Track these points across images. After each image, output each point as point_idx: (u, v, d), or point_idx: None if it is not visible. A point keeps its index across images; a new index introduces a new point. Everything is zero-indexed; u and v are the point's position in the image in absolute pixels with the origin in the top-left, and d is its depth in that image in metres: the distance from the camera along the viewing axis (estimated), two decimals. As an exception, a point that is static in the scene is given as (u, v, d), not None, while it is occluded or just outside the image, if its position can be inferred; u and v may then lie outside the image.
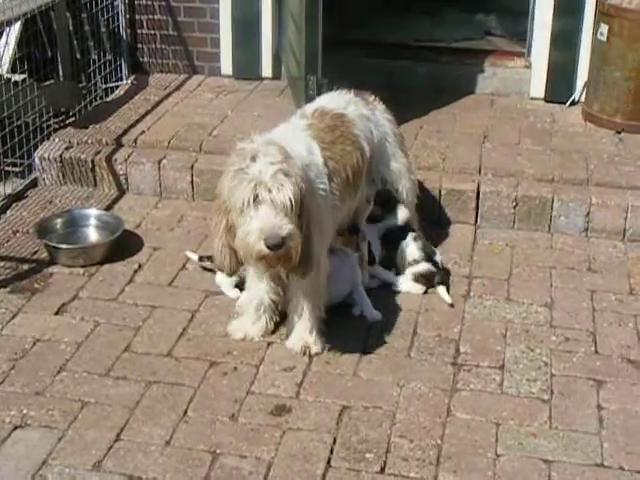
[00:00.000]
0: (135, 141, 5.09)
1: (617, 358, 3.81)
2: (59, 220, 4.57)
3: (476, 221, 4.75)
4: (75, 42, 5.59)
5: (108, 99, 5.74)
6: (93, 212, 4.64)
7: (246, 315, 3.88)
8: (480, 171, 4.81)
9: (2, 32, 5.23)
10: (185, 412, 3.47)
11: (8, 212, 4.81)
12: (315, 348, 3.79)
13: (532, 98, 5.67)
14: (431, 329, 3.97)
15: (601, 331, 3.98)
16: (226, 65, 5.89)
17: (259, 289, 3.82)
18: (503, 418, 3.47)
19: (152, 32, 5.97)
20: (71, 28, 5.58)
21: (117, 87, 5.85)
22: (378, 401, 3.54)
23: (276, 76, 5.85)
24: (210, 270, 4.27)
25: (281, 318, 3.94)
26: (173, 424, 3.41)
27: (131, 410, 3.47)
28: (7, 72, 5.19)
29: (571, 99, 5.56)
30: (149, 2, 5.94)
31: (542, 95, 5.63)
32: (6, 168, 5.07)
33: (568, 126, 5.37)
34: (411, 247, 4.25)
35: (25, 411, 3.45)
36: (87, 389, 3.57)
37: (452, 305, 4.11)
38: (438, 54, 5.91)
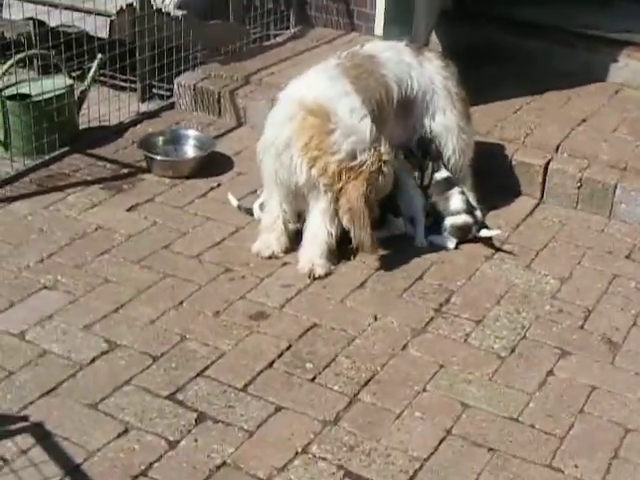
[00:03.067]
0: (260, 81, 5.61)
1: (597, 337, 3.89)
2: (161, 137, 5.17)
3: (542, 196, 4.86)
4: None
5: (266, 43, 6.30)
6: (192, 133, 5.22)
7: (265, 233, 4.30)
8: (557, 150, 4.90)
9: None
10: (181, 302, 3.97)
11: (138, 126, 5.48)
12: (319, 271, 4.15)
13: (661, 94, 5.59)
14: (435, 278, 4.21)
15: (600, 310, 4.05)
16: (378, 26, 6.25)
17: (277, 209, 4.26)
18: (450, 362, 3.69)
19: (321, -12, 6.47)
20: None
21: (280, 35, 6.39)
22: (347, 326, 3.86)
23: (426, 44, 6.10)
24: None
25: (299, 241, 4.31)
26: (166, 309, 3.92)
27: (139, 292, 4.01)
28: (173, 8, 5.85)
29: (698, 100, 5.44)
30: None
31: (671, 92, 5.54)
32: (155, 91, 5.78)
33: (678, 125, 5.28)
34: (455, 198, 4.49)
35: (59, 277, 4.08)
36: (115, 270, 4.15)
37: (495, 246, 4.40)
38: (575, 39, 5.92)
